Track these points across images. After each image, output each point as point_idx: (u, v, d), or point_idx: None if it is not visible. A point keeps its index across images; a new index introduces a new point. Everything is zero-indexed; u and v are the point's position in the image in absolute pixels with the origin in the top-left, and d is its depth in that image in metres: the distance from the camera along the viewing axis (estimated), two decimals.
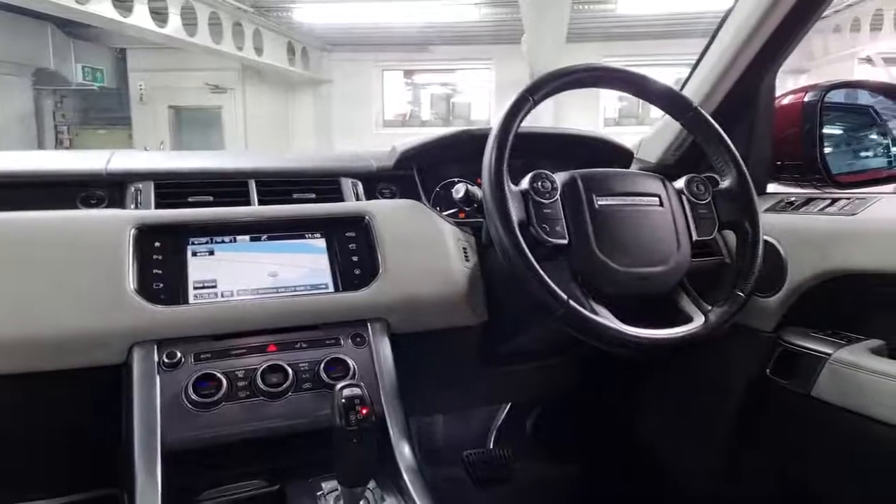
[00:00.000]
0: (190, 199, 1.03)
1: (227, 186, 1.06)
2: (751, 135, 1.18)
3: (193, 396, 0.81)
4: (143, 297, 0.85)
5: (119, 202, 1.02)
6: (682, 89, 1.21)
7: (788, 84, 1.33)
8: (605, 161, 1.22)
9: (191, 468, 0.80)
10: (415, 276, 0.99)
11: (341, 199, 1.10)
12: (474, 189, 0.92)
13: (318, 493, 0.81)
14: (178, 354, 0.84)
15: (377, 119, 11.05)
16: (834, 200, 1.04)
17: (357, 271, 0.98)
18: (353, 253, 1.00)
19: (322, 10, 8.54)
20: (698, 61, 1.18)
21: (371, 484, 0.79)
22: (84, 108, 10.86)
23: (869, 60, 8.97)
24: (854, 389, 0.93)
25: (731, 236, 1.05)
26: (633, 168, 1.32)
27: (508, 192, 0.83)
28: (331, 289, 0.96)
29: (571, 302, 0.81)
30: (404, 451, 0.86)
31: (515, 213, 0.83)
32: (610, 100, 10.49)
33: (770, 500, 1.20)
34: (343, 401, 0.71)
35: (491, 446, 1.64)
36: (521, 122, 0.87)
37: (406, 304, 0.98)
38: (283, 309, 0.92)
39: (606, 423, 1.59)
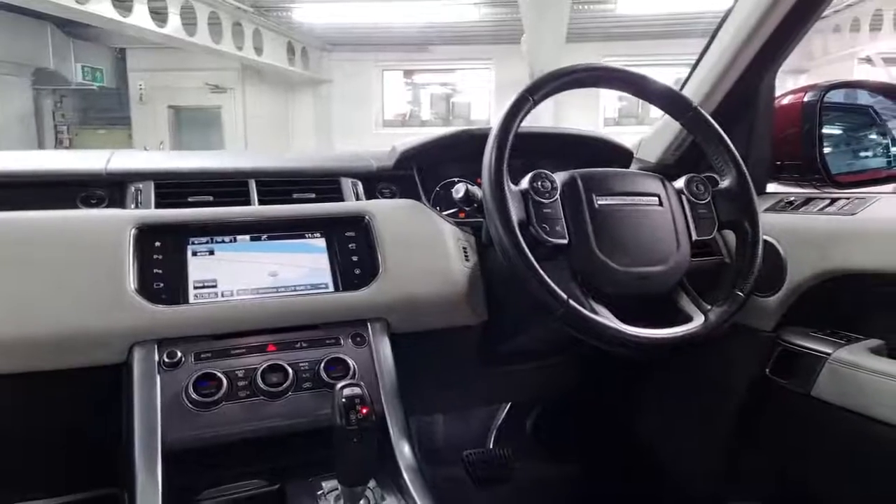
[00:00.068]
0: (190, 199, 1.03)
1: (227, 186, 1.06)
2: (750, 135, 1.18)
3: (194, 396, 0.81)
4: (144, 297, 0.85)
5: (119, 202, 1.02)
6: (681, 89, 1.21)
7: (788, 84, 1.33)
8: (605, 161, 1.22)
9: (191, 467, 0.80)
10: (415, 275, 0.99)
11: (341, 199, 1.10)
12: (474, 189, 0.92)
13: (319, 493, 0.81)
14: (179, 354, 0.84)
15: (377, 119, 11.05)
16: (833, 200, 1.04)
17: (357, 271, 0.98)
18: (353, 253, 1.00)
19: (322, 10, 8.54)
20: (698, 61, 1.19)
21: (371, 483, 0.79)
22: (84, 108, 10.86)
23: (869, 60, 8.98)
24: (853, 389, 0.93)
25: (730, 236, 1.06)
26: (633, 168, 1.32)
27: (508, 191, 0.83)
28: (331, 288, 0.96)
29: (571, 301, 0.81)
30: (404, 451, 0.86)
31: (515, 212, 0.83)
32: (610, 100, 10.49)
33: (770, 500, 1.20)
34: (343, 400, 0.71)
35: (491, 446, 1.64)
36: (521, 121, 0.87)
37: (406, 303, 0.98)
38: (283, 309, 0.92)
39: (606, 422, 1.59)
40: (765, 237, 0.94)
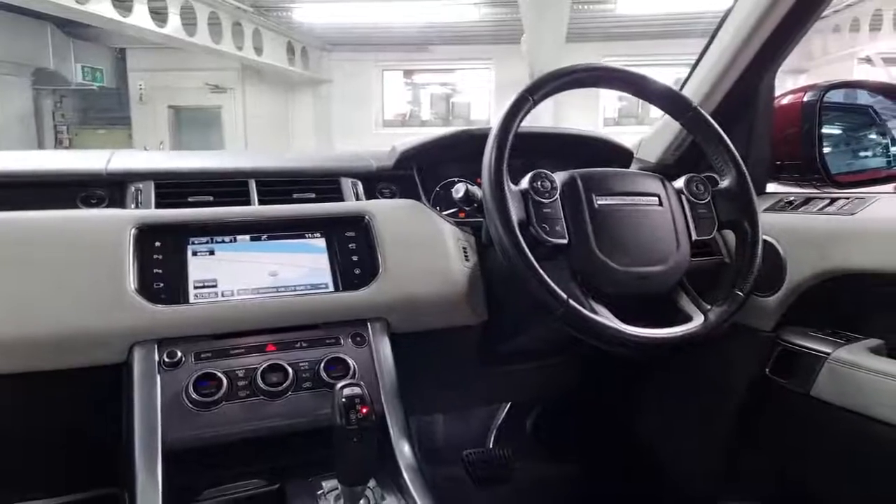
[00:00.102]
0: (190, 199, 1.03)
1: (228, 186, 1.06)
2: (750, 134, 1.18)
3: (194, 396, 0.81)
4: (144, 297, 0.85)
5: (119, 202, 1.02)
6: (681, 89, 1.21)
7: (788, 84, 1.33)
8: (605, 161, 1.22)
9: (191, 467, 0.80)
10: (415, 275, 0.99)
11: (341, 199, 1.10)
12: (474, 189, 0.92)
13: (319, 492, 0.81)
14: (179, 354, 0.84)
15: (377, 119, 11.05)
16: (833, 200, 1.04)
17: (357, 271, 0.98)
18: (353, 252, 1.00)
19: (322, 10, 8.54)
20: (698, 61, 1.19)
21: (371, 483, 0.79)
22: (84, 108, 10.87)
23: (868, 60, 8.98)
24: (853, 389, 0.93)
25: (730, 236, 1.06)
26: (633, 168, 1.32)
27: (508, 191, 0.84)
28: (331, 288, 0.96)
29: (571, 301, 0.81)
30: (404, 451, 0.86)
31: (515, 212, 0.83)
32: (610, 100, 10.49)
33: (769, 500, 1.20)
34: (343, 400, 0.71)
35: (491, 446, 1.64)
36: (520, 121, 0.87)
37: (406, 303, 0.98)
38: (283, 308, 0.92)
39: (606, 422, 1.59)
40: (764, 237, 0.94)
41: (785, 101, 1.21)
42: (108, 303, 0.84)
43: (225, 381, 0.83)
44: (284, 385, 0.85)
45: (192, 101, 10.70)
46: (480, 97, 11.02)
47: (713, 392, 1.25)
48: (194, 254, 0.93)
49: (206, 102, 10.71)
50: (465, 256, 1.05)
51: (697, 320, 0.88)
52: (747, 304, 0.90)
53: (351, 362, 0.89)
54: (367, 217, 1.02)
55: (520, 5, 6.53)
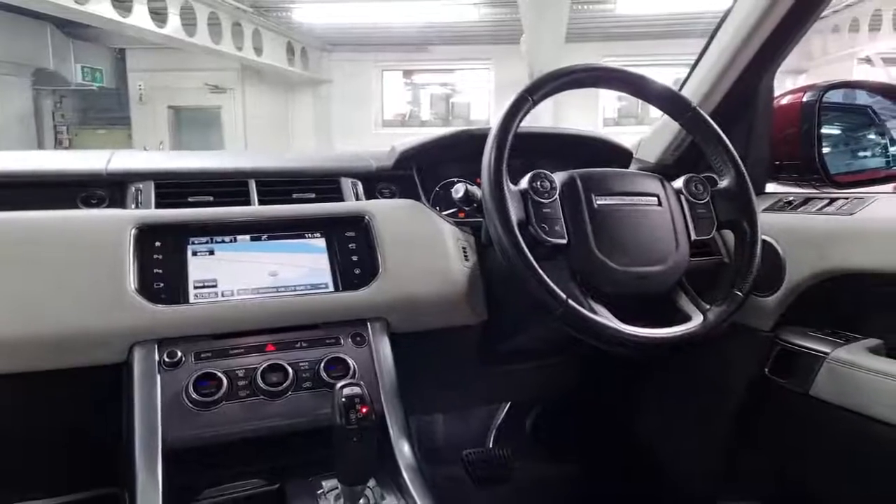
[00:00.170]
0: (190, 199, 1.03)
1: (227, 186, 1.06)
2: (749, 135, 1.18)
3: (194, 395, 0.81)
4: (144, 297, 0.85)
5: (119, 202, 1.02)
6: (680, 89, 1.21)
7: (787, 84, 1.33)
8: (604, 161, 1.22)
9: (191, 467, 0.80)
10: (414, 275, 1.00)
11: (341, 199, 1.11)
12: (474, 189, 0.92)
13: (319, 492, 0.81)
14: (179, 354, 0.84)
15: (377, 119, 11.05)
16: (832, 200, 1.04)
17: (357, 271, 0.98)
18: (353, 252, 1.00)
19: (321, 10, 8.54)
20: (697, 61, 1.19)
21: (371, 482, 0.79)
22: (83, 108, 10.86)
23: (868, 61, 8.98)
24: (852, 388, 0.94)
25: (729, 236, 1.06)
26: (632, 168, 1.32)
27: (508, 191, 0.84)
28: (331, 288, 0.96)
29: (570, 301, 0.81)
30: (404, 450, 0.86)
31: (514, 212, 0.83)
32: (609, 100, 10.49)
33: (769, 499, 1.20)
34: (343, 400, 0.72)
35: (490, 445, 1.65)
36: (520, 121, 0.87)
37: (406, 303, 0.98)
38: (283, 308, 0.92)
39: (606, 422, 1.59)
40: (763, 237, 0.95)
41: (784, 101, 1.21)
42: (109, 303, 0.84)
43: (225, 380, 0.83)
44: (284, 385, 0.85)
45: (191, 101, 10.70)
46: (480, 97, 11.02)
47: (712, 392, 1.25)
48: (194, 254, 0.93)
49: (206, 103, 10.71)
50: (465, 256, 1.05)
51: (696, 320, 0.88)
52: (746, 304, 0.90)
53: (351, 362, 0.89)
54: (366, 217, 1.03)
55: (519, 5, 6.53)
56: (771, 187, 1.24)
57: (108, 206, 1.02)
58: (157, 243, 0.91)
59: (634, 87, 0.96)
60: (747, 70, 1.13)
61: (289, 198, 1.08)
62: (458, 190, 0.93)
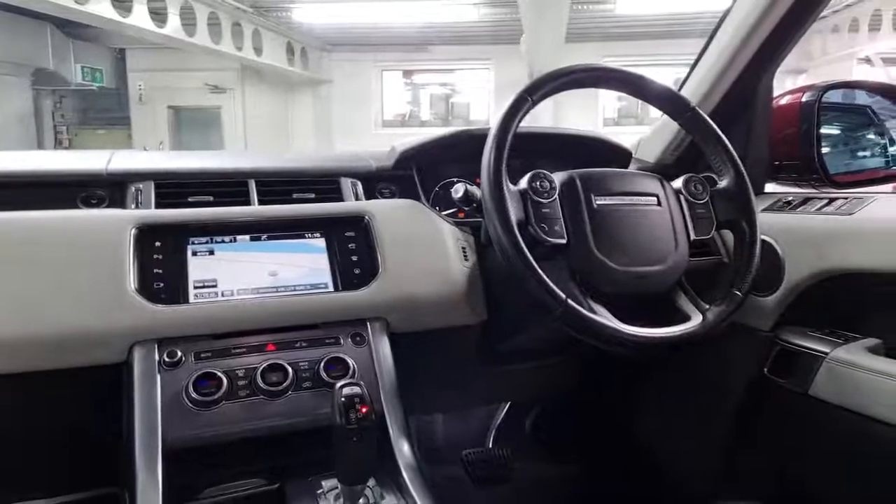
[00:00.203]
0: (190, 199, 1.03)
1: (227, 186, 1.06)
2: (749, 135, 1.18)
3: (194, 395, 0.81)
4: (144, 297, 0.86)
5: (119, 202, 1.02)
6: (680, 89, 1.21)
7: (787, 84, 1.33)
8: (604, 161, 1.22)
9: (191, 466, 0.80)
10: (414, 275, 1.00)
11: (341, 199, 1.11)
12: (473, 189, 0.92)
13: (318, 492, 0.81)
14: (179, 353, 0.84)
15: (376, 119, 11.05)
16: (831, 200, 1.05)
17: (357, 271, 0.99)
18: (353, 252, 1.00)
19: (321, 10, 8.54)
20: (696, 61, 1.19)
21: (371, 482, 0.80)
22: (83, 109, 10.86)
23: (868, 61, 8.98)
24: (851, 388, 0.94)
25: (728, 236, 1.06)
26: (632, 168, 1.33)
27: (507, 191, 0.84)
28: (330, 288, 0.96)
29: (570, 301, 0.81)
30: (404, 450, 0.86)
31: (514, 212, 0.83)
32: (609, 100, 10.49)
33: (768, 499, 1.20)
34: (343, 399, 0.72)
35: (490, 445, 1.65)
36: (519, 122, 0.87)
37: (405, 303, 0.98)
38: (282, 308, 0.92)
39: (605, 422, 1.59)
40: (763, 237, 0.95)
41: (783, 101, 1.21)
42: (109, 303, 0.84)
43: (225, 380, 0.83)
44: (284, 385, 0.85)
45: (191, 101, 10.70)
46: (480, 97, 11.01)
47: (712, 391, 1.25)
48: (194, 254, 0.93)
49: (206, 103, 10.71)
50: (465, 256, 1.05)
51: (696, 320, 0.88)
52: (745, 304, 0.90)
53: (350, 362, 0.89)
54: (366, 217, 1.03)
55: (519, 5, 6.53)
56: (770, 187, 1.24)
57: (108, 206, 1.02)
58: (157, 243, 0.91)
59: (634, 87, 0.96)
60: (746, 70, 1.13)
61: (289, 198, 1.08)
62: (458, 190, 0.93)
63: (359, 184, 1.15)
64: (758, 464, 1.21)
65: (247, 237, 0.97)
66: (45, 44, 8.78)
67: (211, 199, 1.04)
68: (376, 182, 1.18)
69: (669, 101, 0.99)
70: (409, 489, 0.81)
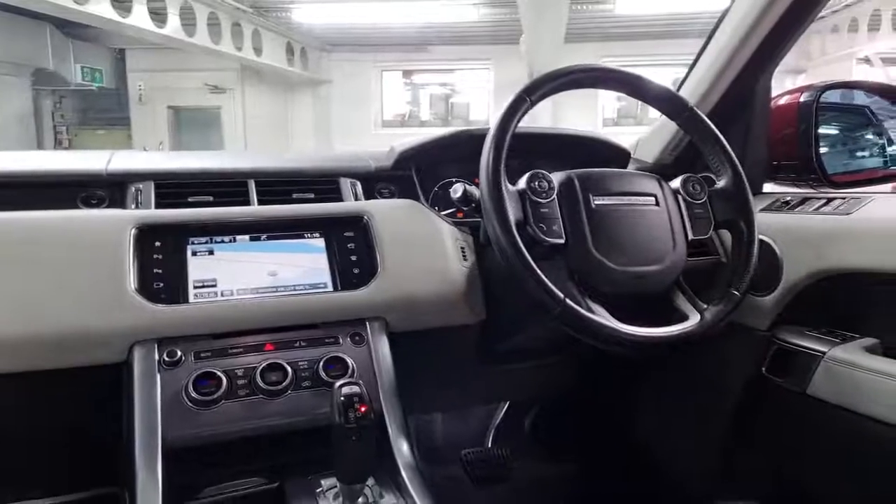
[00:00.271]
0: (190, 199, 1.03)
1: (227, 186, 1.07)
2: (747, 135, 1.19)
3: (193, 395, 0.81)
4: (144, 297, 0.86)
5: (119, 202, 1.02)
6: (678, 90, 1.21)
7: (787, 84, 1.33)
8: (602, 161, 1.22)
9: (191, 466, 0.80)
10: (413, 275, 1.00)
11: (340, 199, 1.11)
12: (472, 189, 0.93)
13: (318, 491, 0.81)
14: (179, 353, 0.84)
15: (376, 119, 11.06)
16: (829, 200, 1.05)
17: (356, 270, 0.99)
18: (352, 252, 1.00)
19: (321, 11, 8.54)
20: (695, 62, 1.19)
21: (370, 481, 0.80)
22: (83, 109, 10.86)
23: (867, 61, 8.99)
24: (849, 387, 0.94)
25: (726, 236, 1.06)
26: (630, 168, 1.33)
27: (506, 191, 0.84)
28: (330, 288, 0.97)
29: (568, 301, 0.81)
30: (403, 449, 0.86)
31: (513, 212, 0.84)
32: (608, 100, 10.49)
33: (766, 498, 1.20)
34: (342, 399, 0.72)
35: (489, 445, 1.65)
36: (518, 122, 0.87)
37: (404, 303, 0.98)
38: (282, 308, 0.92)
39: (604, 422, 1.60)
40: (761, 237, 0.95)
41: (782, 101, 1.21)
42: (109, 302, 0.84)
43: (224, 380, 0.83)
44: (284, 384, 0.85)
45: (191, 101, 10.70)
46: (479, 97, 11.01)
47: (710, 391, 1.25)
48: (194, 254, 0.93)
49: (206, 103, 10.70)
50: (464, 256, 1.05)
51: (694, 319, 0.88)
52: (743, 304, 0.91)
53: (350, 361, 0.90)
54: (365, 217, 1.03)
55: (519, 6, 6.53)
56: (768, 187, 1.25)
57: (108, 207, 1.02)
58: (157, 243, 0.92)
59: (632, 88, 0.97)
60: (745, 70, 1.13)
61: (288, 198, 1.08)
62: (457, 190, 0.94)
63: (358, 184, 1.15)
64: (756, 463, 1.21)
65: (246, 237, 0.98)
66: (44, 44, 8.78)
67: (211, 199, 1.04)
68: (375, 182, 1.19)
69: (668, 102, 0.99)
70: (408, 488, 0.81)
